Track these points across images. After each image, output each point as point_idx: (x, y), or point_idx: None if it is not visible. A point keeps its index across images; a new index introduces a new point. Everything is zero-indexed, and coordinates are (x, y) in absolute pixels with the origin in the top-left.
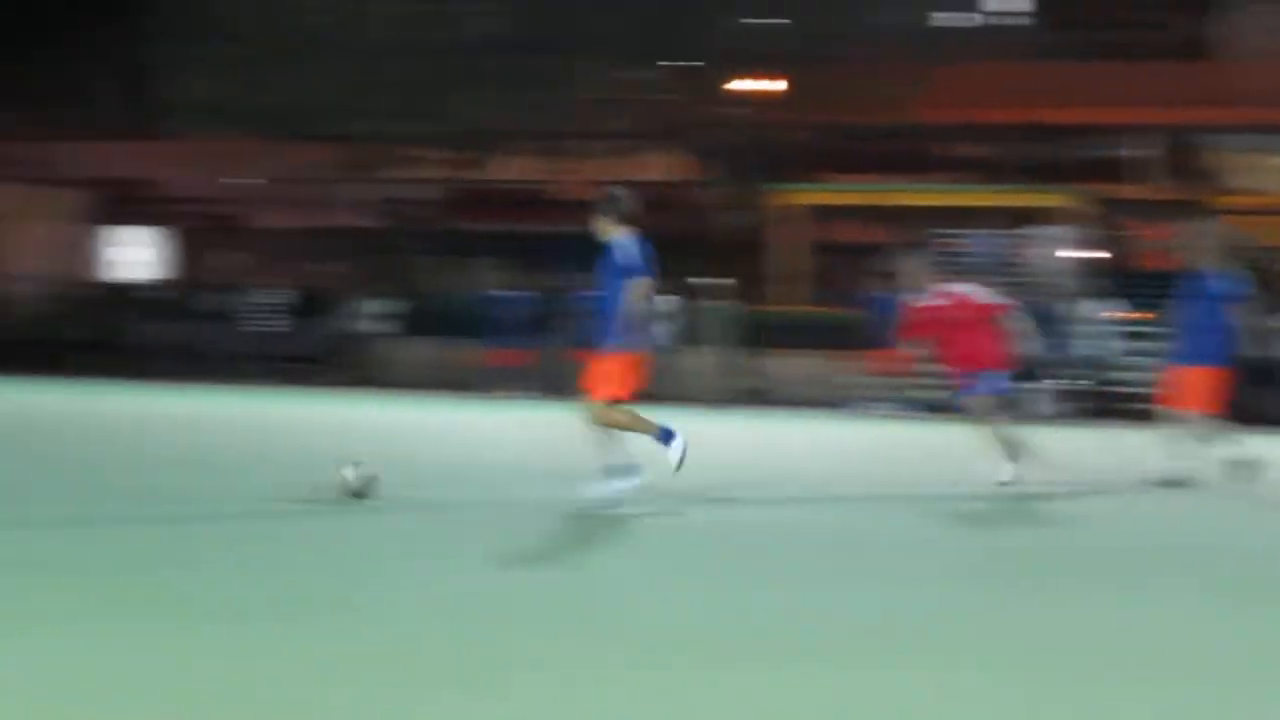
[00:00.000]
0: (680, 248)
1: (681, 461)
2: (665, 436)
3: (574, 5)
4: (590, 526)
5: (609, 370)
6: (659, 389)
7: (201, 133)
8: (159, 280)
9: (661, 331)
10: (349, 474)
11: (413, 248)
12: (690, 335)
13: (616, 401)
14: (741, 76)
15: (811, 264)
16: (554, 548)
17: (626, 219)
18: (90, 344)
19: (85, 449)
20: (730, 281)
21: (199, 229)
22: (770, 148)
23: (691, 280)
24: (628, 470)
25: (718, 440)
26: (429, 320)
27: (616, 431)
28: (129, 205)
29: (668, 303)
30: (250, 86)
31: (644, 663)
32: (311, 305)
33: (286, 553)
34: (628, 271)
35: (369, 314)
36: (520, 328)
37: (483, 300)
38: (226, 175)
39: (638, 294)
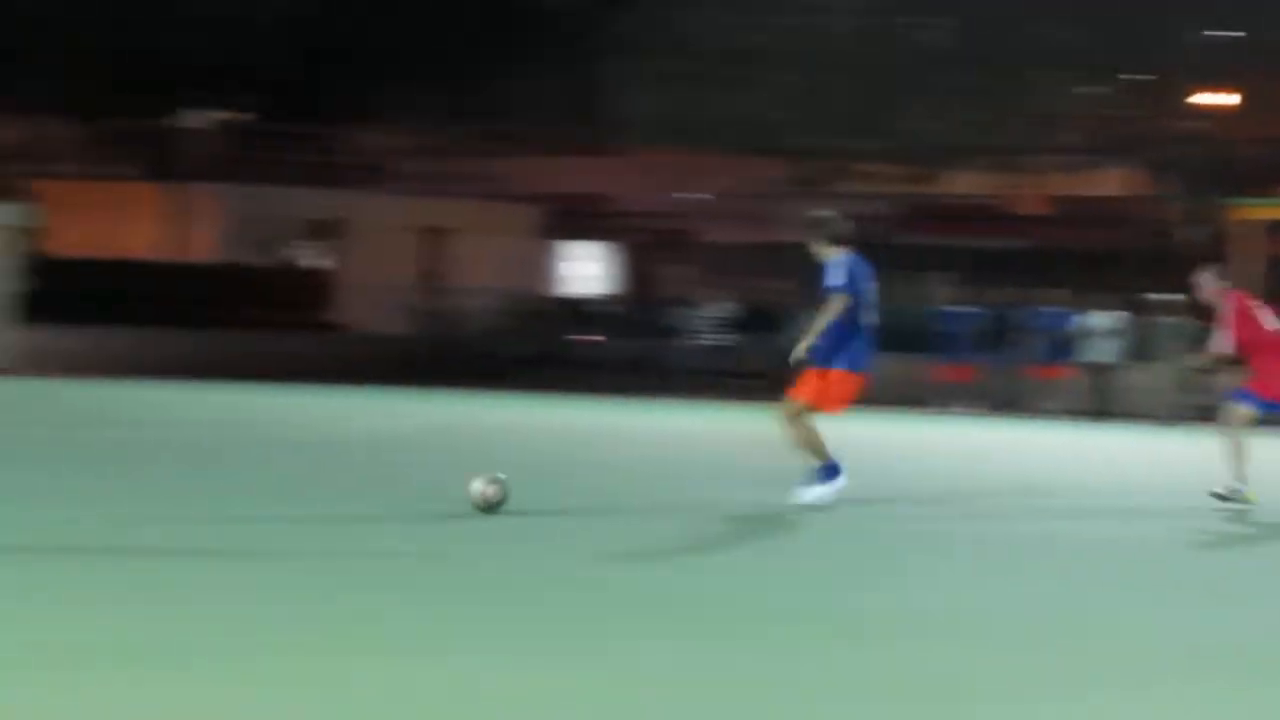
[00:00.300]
0: (1135, 263)
1: (819, 503)
2: (829, 473)
3: (1028, 19)
4: (1028, 542)
5: (817, 384)
6: (1110, 405)
7: (652, 147)
8: (608, 295)
9: (1109, 347)
10: (489, 488)
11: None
12: (1142, 351)
13: (811, 411)
14: (1199, 89)
15: (1269, 279)
16: (999, 565)
17: (840, 239)
18: (540, 358)
19: (539, 458)
20: (1184, 297)
21: (648, 243)
22: (1229, 161)
23: (1145, 296)
24: (829, 474)
25: (1168, 457)
26: (881, 335)
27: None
28: (580, 220)
29: (1115, 318)
30: (701, 101)
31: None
32: (760, 320)
33: (768, 564)
34: (831, 291)
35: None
36: (970, 343)
37: (933, 315)
38: (676, 190)
39: (833, 311)
